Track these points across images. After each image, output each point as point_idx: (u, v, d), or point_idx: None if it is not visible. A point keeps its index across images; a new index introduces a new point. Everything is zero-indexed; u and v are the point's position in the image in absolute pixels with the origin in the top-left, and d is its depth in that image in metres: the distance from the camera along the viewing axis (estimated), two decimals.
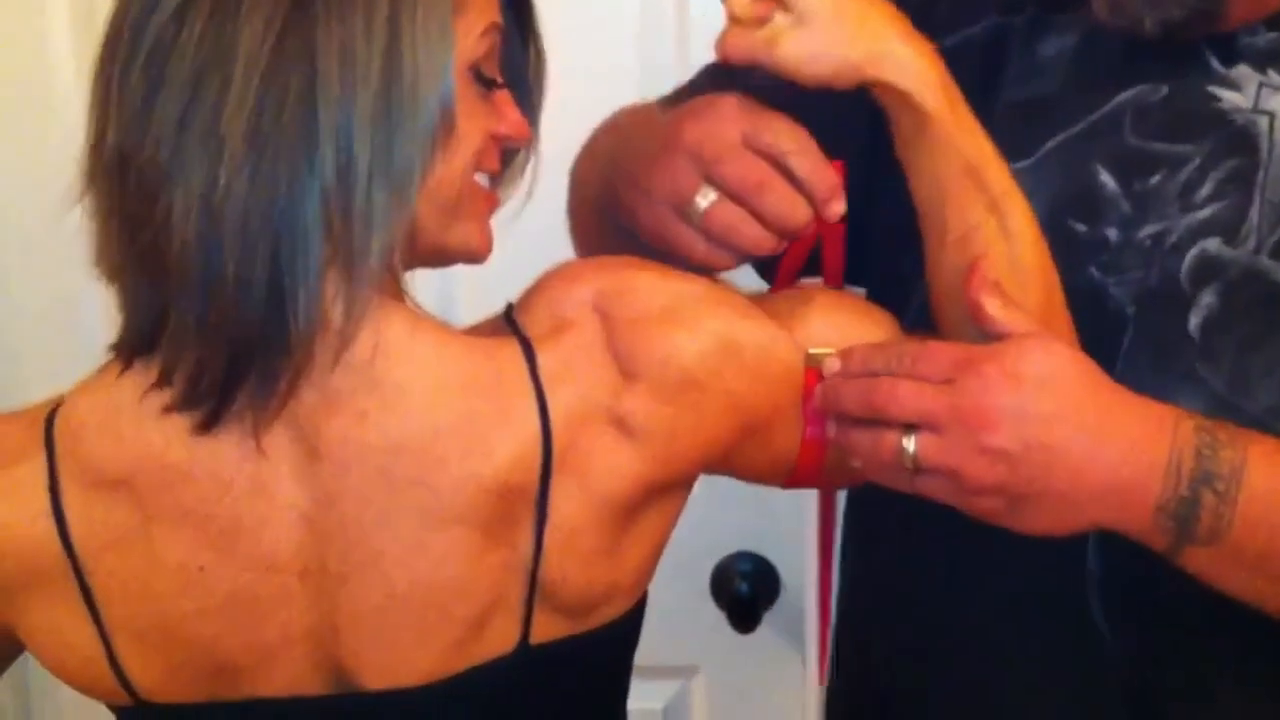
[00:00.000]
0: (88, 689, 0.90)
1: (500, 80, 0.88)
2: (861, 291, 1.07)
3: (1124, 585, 0.98)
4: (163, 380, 0.81)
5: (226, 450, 0.83)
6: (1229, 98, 0.98)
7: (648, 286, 0.88)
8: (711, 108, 0.90)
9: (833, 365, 0.89)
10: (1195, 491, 0.85)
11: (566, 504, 0.85)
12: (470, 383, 0.84)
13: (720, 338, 0.87)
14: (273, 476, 0.83)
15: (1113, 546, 0.92)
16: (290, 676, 0.87)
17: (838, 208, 0.89)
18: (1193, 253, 0.96)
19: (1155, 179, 0.98)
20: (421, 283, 0.87)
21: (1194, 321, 0.95)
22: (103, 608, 0.86)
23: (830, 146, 0.90)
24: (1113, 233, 0.98)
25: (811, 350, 0.90)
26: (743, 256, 0.92)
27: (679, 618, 1.55)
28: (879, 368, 0.88)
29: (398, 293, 0.84)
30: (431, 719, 0.90)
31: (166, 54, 0.78)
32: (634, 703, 1.02)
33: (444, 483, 0.83)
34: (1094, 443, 0.85)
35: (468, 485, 0.83)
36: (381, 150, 0.78)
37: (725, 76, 0.93)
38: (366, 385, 0.82)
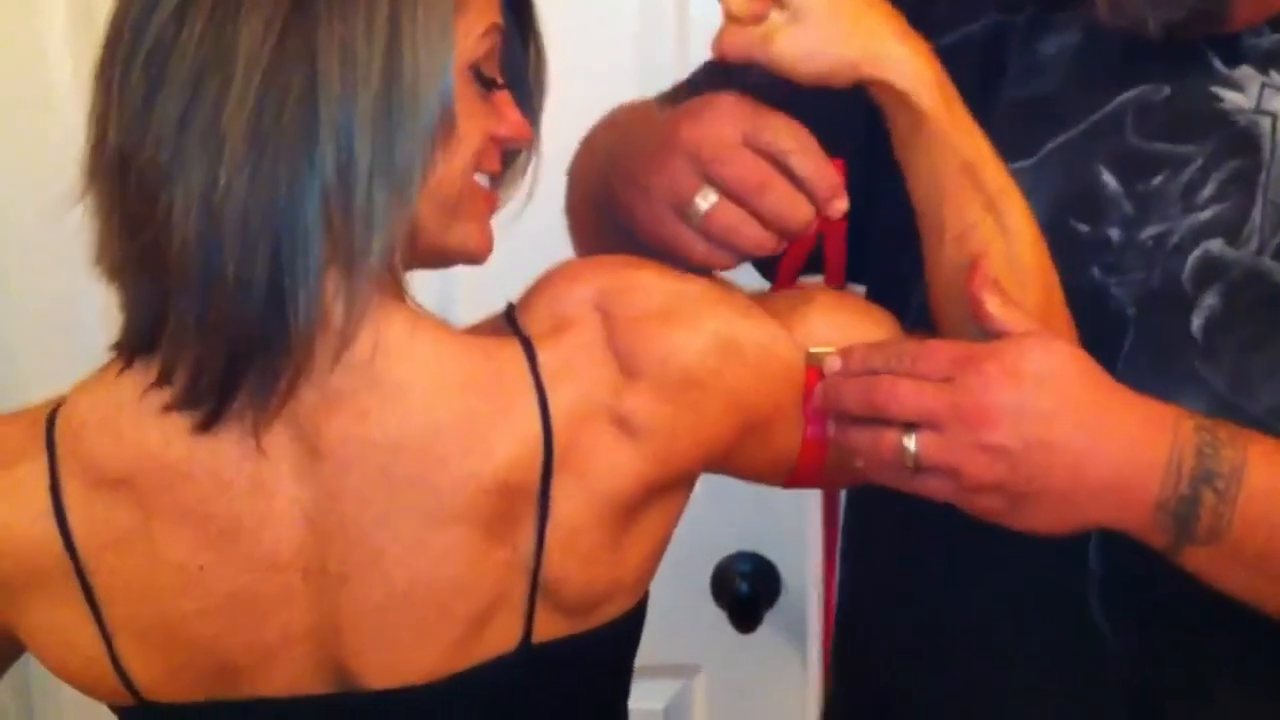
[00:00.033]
0: (89, 689, 0.90)
1: (500, 81, 0.88)
2: (862, 290, 1.07)
3: (1124, 584, 0.98)
4: (163, 379, 0.81)
5: (227, 449, 0.83)
6: (1231, 98, 0.98)
7: (649, 285, 0.88)
8: (709, 107, 0.90)
9: (833, 364, 0.89)
10: (1196, 490, 0.85)
11: (568, 502, 0.85)
12: (471, 381, 0.84)
13: (721, 336, 0.87)
14: (273, 476, 0.83)
15: (1114, 546, 0.92)
16: (292, 676, 0.87)
17: (840, 206, 0.89)
18: (1195, 254, 0.96)
19: (1157, 179, 0.98)
20: (421, 283, 0.86)
21: (1196, 323, 0.95)
22: (104, 607, 0.86)
23: (829, 144, 0.90)
24: (1115, 233, 0.98)
25: (812, 349, 0.90)
26: (742, 256, 0.92)
27: (680, 617, 1.55)
28: (879, 366, 0.88)
29: (398, 292, 0.84)
30: (434, 717, 0.90)
31: (167, 53, 0.78)
32: (635, 702, 1.02)
33: (444, 481, 0.83)
34: (1094, 440, 0.85)
35: (468, 484, 0.83)
36: (382, 149, 0.78)
37: (723, 74, 0.93)
38: (367, 384, 0.82)
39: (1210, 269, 0.96)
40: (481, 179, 0.88)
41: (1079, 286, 0.95)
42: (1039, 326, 0.88)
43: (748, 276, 0.97)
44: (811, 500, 1.43)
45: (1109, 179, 0.99)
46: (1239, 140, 0.97)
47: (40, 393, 0.90)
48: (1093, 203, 0.99)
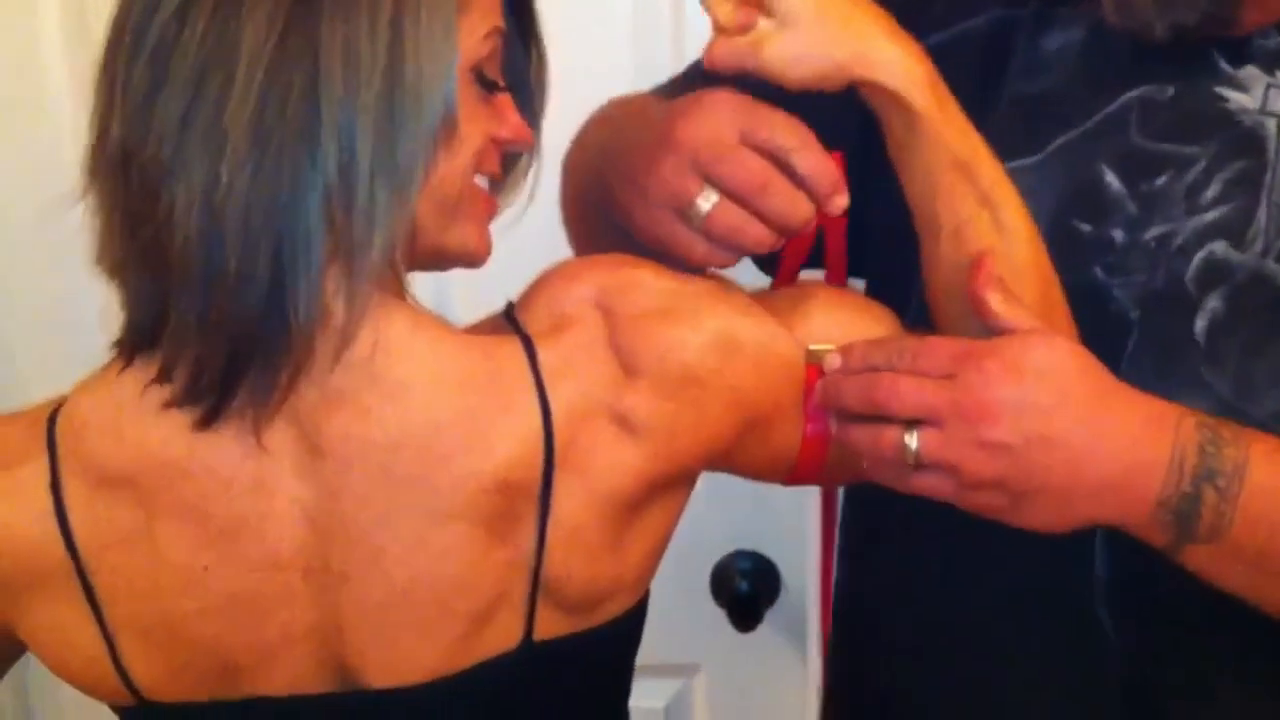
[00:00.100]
0: (90, 689, 0.89)
1: (502, 83, 0.88)
2: (863, 285, 1.07)
3: (1127, 583, 0.98)
4: (163, 376, 0.81)
5: (228, 448, 0.83)
6: (1236, 99, 0.98)
7: (648, 284, 0.88)
8: (705, 105, 0.89)
9: (833, 361, 0.89)
10: (1197, 488, 0.85)
11: (569, 500, 0.85)
12: (471, 379, 0.84)
13: (721, 334, 0.87)
14: (274, 474, 0.83)
15: (1119, 545, 0.92)
16: (294, 675, 0.87)
17: (841, 202, 0.89)
18: (1200, 256, 0.96)
19: (1161, 180, 0.98)
20: (417, 283, 0.87)
21: (1199, 325, 0.95)
22: (106, 607, 0.86)
23: (825, 139, 0.90)
24: (1118, 234, 0.98)
25: (812, 346, 0.90)
26: (742, 254, 0.92)
27: (680, 616, 1.55)
28: (880, 363, 0.88)
29: (399, 291, 0.84)
30: (435, 716, 0.90)
31: (169, 51, 0.78)
32: (635, 701, 1.02)
33: (445, 480, 0.83)
34: (1095, 437, 0.85)
35: (469, 482, 0.83)
36: (384, 149, 0.78)
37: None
38: (367, 382, 0.82)
39: (1214, 271, 0.95)
40: (481, 181, 0.88)
41: (1081, 287, 0.95)
42: (1041, 324, 0.88)
43: (748, 274, 0.97)
44: (811, 499, 1.43)
45: (1112, 179, 0.98)
46: (1244, 141, 0.97)
47: (39, 393, 0.90)
48: (1096, 203, 0.99)
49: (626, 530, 0.88)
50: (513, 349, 0.85)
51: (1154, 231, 0.97)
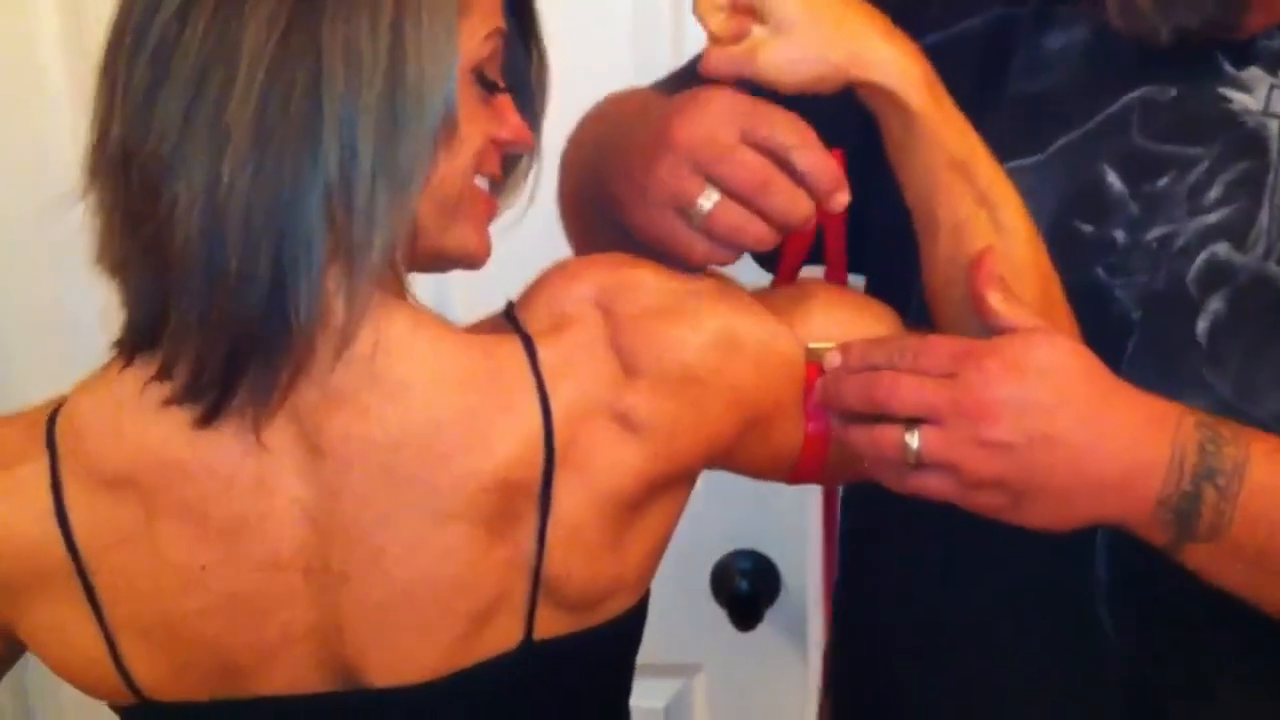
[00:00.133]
0: (91, 689, 0.90)
1: (502, 85, 0.88)
2: (863, 283, 1.07)
3: (1126, 582, 0.98)
4: (163, 374, 0.81)
5: (228, 447, 0.83)
6: (1239, 100, 0.97)
7: (649, 283, 0.88)
8: (704, 104, 0.88)
9: (833, 359, 0.89)
10: (1197, 487, 0.85)
11: (569, 499, 0.85)
12: (472, 378, 0.84)
13: (721, 333, 0.87)
14: (275, 474, 0.83)
15: (1120, 545, 0.92)
16: (295, 674, 0.87)
17: (842, 199, 0.88)
18: (1202, 257, 0.96)
19: (1163, 181, 0.97)
20: (417, 284, 0.87)
21: (1201, 326, 0.95)
22: (106, 607, 0.86)
23: (825, 136, 0.89)
24: (1120, 234, 0.98)
25: (812, 345, 0.90)
26: (742, 252, 0.92)
27: (680, 616, 1.55)
28: (880, 362, 0.87)
29: (400, 291, 0.84)
30: (436, 715, 0.90)
31: (171, 50, 0.78)
32: (636, 701, 1.02)
33: (445, 479, 0.83)
34: (1095, 436, 0.85)
35: (469, 482, 0.83)
36: (385, 149, 0.79)
37: None
38: (368, 382, 0.82)
39: (1216, 273, 0.95)
40: (481, 182, 0.88)
41: (1083, 287, 0.94)
42: (1042, 322, 0.88)
43: (748, 272, 0.97)
44: (811, 498, 1.43)
45: (1114, 179, 0.98)
46: (1246, 142, 0.97)
47: (38, 394, 0.90)
48: (1097, 203, 0.99)
49: (627, 530, 0.88)
50: (513, 348, 0.85)
51: (1156, 232, 0.97)
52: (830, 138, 0.89)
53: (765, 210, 0.87)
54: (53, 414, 0.86)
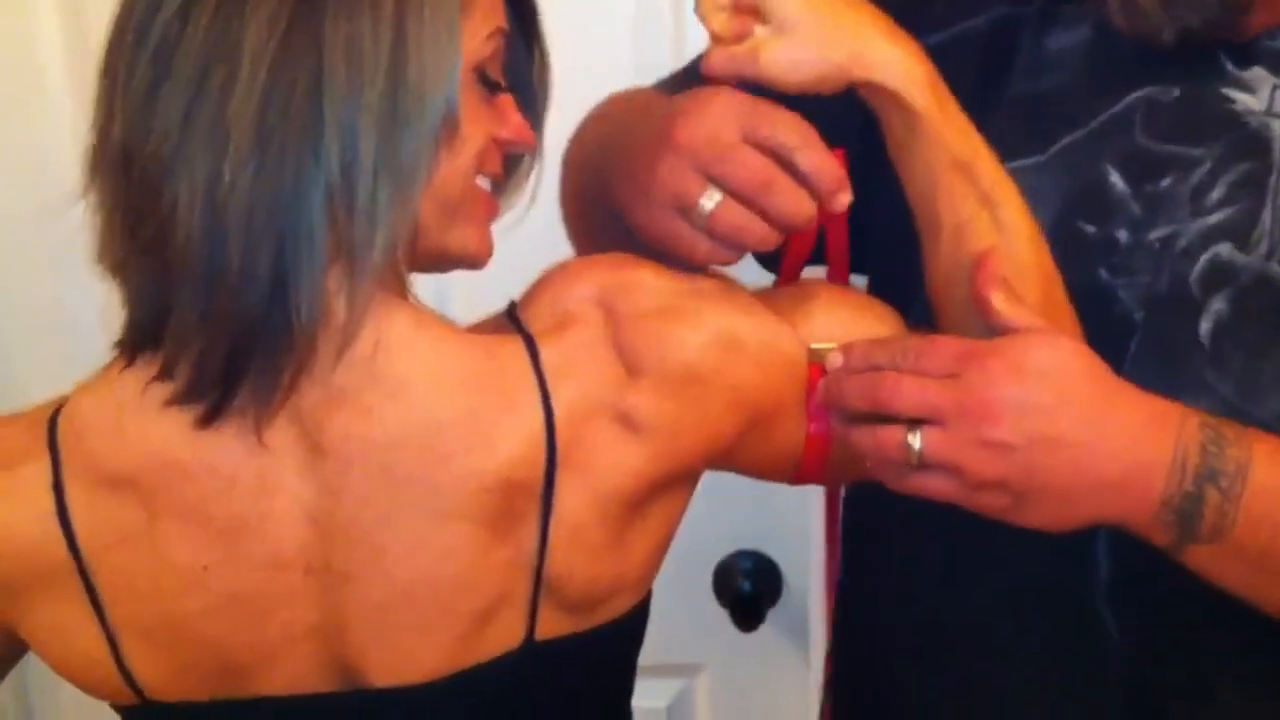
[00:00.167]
0: (93, 689, 0.90)
1: (504, 84, 0.88)
2: (865, 283, 1.07)
3: (1127, 582, 0.97)
4: (165, 374, 0.81)
5: (230, 447, 0.83)
6: (1242, 100, 0.97)
7: (651, 282, 0.88)
8: (706, 104, 0.88)
9: (835, 360, 0.89)
10: (1200, 488, 0.85)
11: (571, 499, 0.85)
12: (473, 378, 0.84)
13: (723, 333, 0.87)
14: (277, 473, 0.83)
15: (1120, 545, 0.92)
16: (297, 674, 0.87)
17: (845, 199, 0.88)
18: (1205, 258, 0.95)
19: (1166, 181, 0.97)
20: (417, 284, 0.87)
21: (1204, 327, 0.95)
22: (108, 607, 0.86)
23: (827, 135, 0.89)
24: (1122, 234, 0.98)
25: (814, 345, 0.90)
26: (744, 252, 0.92)
27: (682, 616, 1.55)
28: (882, 362, 0.87)
29: (401, 290, 0.84)
30: (438, 715, 0.90)
31: (172, 49, 0.78)
32: (637, 701, 1.02)
33: (446, 479, 0.83)
34: (1098, 436, 0.85)
35: (470, 482, 0.83)
36: (386, 147, 0.79)
37: None
38: (369, 381, 0.82)
39: (1219, 273, 0.95)
40: (483, 182, 0.88)
41: (1085, 287, 0.94)
42: (1045, 323, 0.88)
43: (750, 272, 0.97)
44: (813, 498, 1.43)
45: (1117, 180, 0.98)
46: (1249, 143, 0.96)
47: (38, 394, 0.90)
48: (1100, 203, 0.98)
49: (629, 529, 0.88)
50: (515, 348, 0.85)
51: (1158, 233, 0.97)
52: (832, 138, 0.89)
53: (767, 211, 0.87)
54: (54, 414, 0.86)
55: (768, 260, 1.02)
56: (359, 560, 0.85)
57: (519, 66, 0.93)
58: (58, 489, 0.85)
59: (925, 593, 1.08)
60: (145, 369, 0.83)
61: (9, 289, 1.55)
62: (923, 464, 0.85)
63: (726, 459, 0.91)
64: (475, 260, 0.89)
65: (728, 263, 0.90)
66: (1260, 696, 0.99)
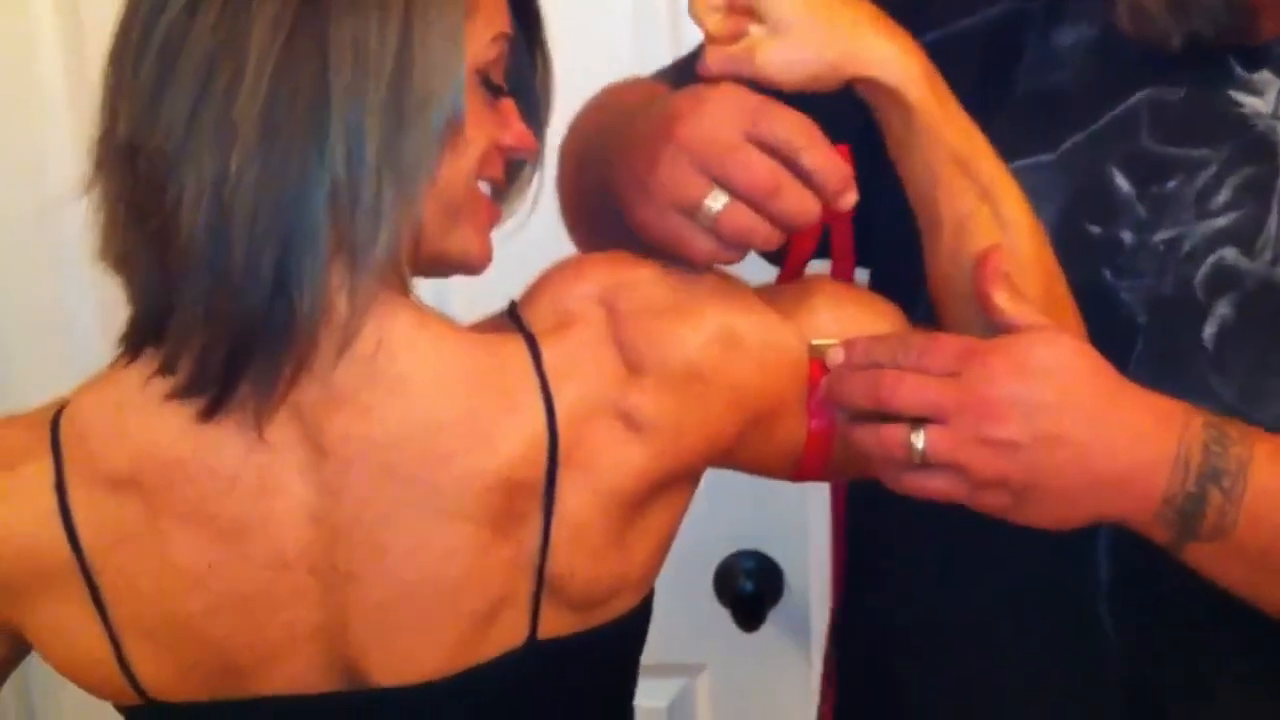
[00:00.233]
0: (96, 689, 0.89)
1: (506, 89, 0.88)
2: (866, 276, 1.06)
3: (1127, 582, 0.97)
4: (166, 368, 0.81)
5: (231, 446, 0.83)
6: (1250, 103, 0.97)
7: (651, 281, 0.88)
8: (709, 102, 0.87)
9: (836, 356, 0.89)
10: (1202, 487, 0.85)
11: (573, 499, 0.85)
12: (474, 377, 0.84)
13: (724, 330, 0.87)
14: (278, 473, 0.83)
15: (1120, 545, 0.92)
16: (300, 674, 0.87)
17: (851, 199, 0.88)
18: (1210, 261, 0.95)
19: (1172, 183, 0.97)
20: (417, 286, 0.86)
21: (1208, 332, 0.95)
22: (111, 607, 0.86)
23: (830, 131, 0.89)
24: (1127, 235, 0.97)
25: (815, 341, 0.90)
26: (749, 251, 0.92)
27: (683, 616, 1.55)
28: (883, 358, 0.87)
29: (404, 290, 0.84)
30: (441, 714, 0.90)
31: (179, 45, 0.78)
32: (638, 700, 1.01)
33: (447, 479, 0.83)
34: (1099, 433, 0.84)
35: (472, 481, 0.83)
36: (390, 147, 0.79)
37: None
38: (370, 380, 0.82)
39: (1224, 278, 0.95)
40: (484, 187, 0.88)
41: (1089, 288, 0.94)
42: (1048, 321, 0.87)
43: (753, 269, 0.97)
44: (814, 498, 1.43)
45: (1122, 181, 0.98)
46: (1255, 146, 0.96)
47: (37, 394, 0.90)
48: (1105, 204, 0.98)
49: (630, 528, 0.88)
50: (516, 347, 0.85)
51: (1163, 235, 0.97)
52: (833, 135, 0.89)
53: (773, 212, 0.86)
54: (57, 414, 0.86)
55: (771, 254, 1.01)
56: (361, 560, 0.85)
57: (521, 72, 0.93)
58: (60, 489, 0.85)
59: (925, 593, 1.08)
60: (147, 366, 0.83)
61: (9, 289, 1.55)
62: (925, 463, 0.85)
63: (728, 456, 0.91)
64: (474, 265, 0.89)
65: (732, 262, 0.90)
66: (1260, 696, 0.99)
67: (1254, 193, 0.95)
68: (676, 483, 0.89)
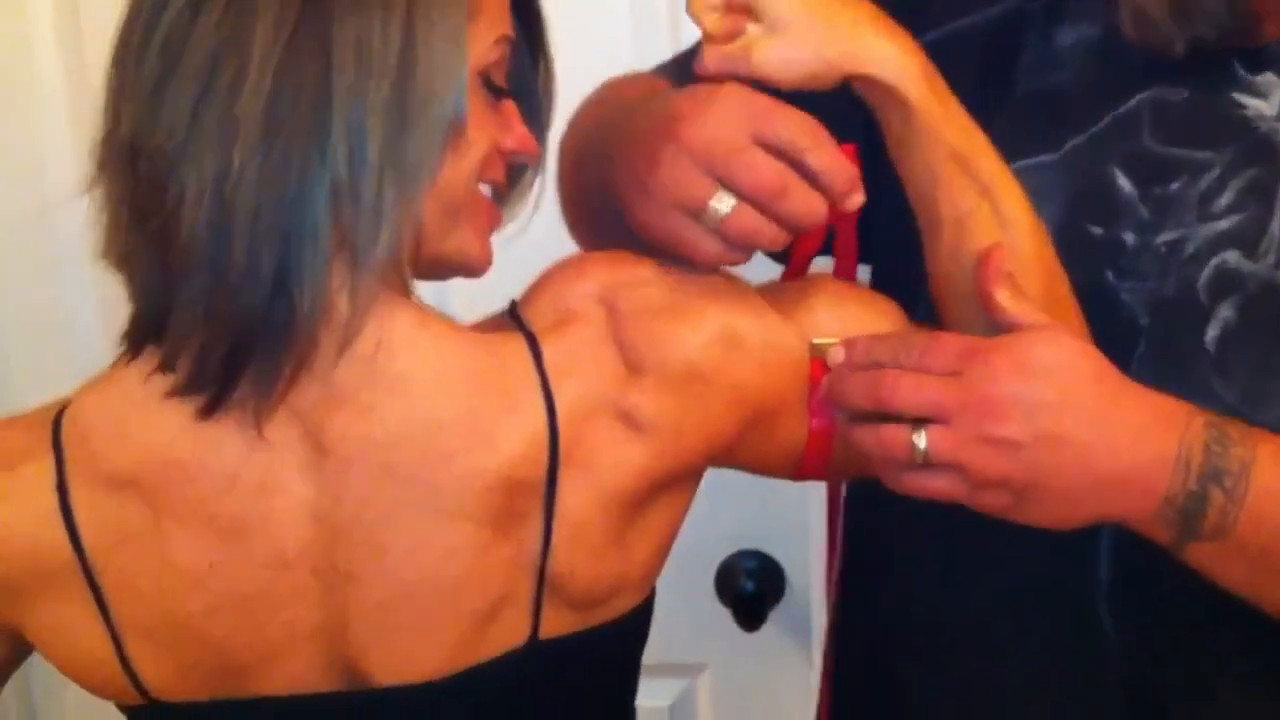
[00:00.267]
0: (98, 689, 0.89)
1: (507, 91, 0.88)
2: (867, 275, 1.06)
3: (1127, 582, 0.97)
4: (166, 365, 0.81)
5: (233, 446, 0.83)
6: (1253, 105, 0.97)
7: (652, 280, 0.88)
8: (712, 102, 0.86)
9: (837, 355, 0.89)
10: (1204, 487, 0.85)
11: (574, 498, 0.85)
12: (475, 377, 0.84)
13: (724, 330, 0.87)
14: (279, 473, 0.83)
15: (1121, 545, 0.92)
16: (301, 673, 0.87)
17: (857, 199, 0.87)
18: (1213, 263, 0.95)
19: (1175, 185, 0.97)
20: (417, 287, 0.86)
21: (1211, 334, 0.94)
22: (113, 607, 0.86)
23: (833, 129, 0.88)
24: (1129, 237, 0.97)
25: (816, 340, 0.89)
26: (754, 252, 0.91)
27: (684, 616, 1.55)
28: (884, 358, 0.87)
29: (404, 290, 0.84)
30: (442, 714, 0.90)
31: (181, 43, 0.78)
32: (640, 700, 1.02)
33: (447, 478, 0.83)
34: (1101, 434, 0.84)
35: (473, 481, 0.83)
36: (392, 147, 0.79)
37: None
38: (370, 380, 0.82)
39: (1227, 280, 0.95)
40: (485, 189, 0.88)
41: (1091, 290, 0.94)
42: (1049, 319, 0.87)
43: (754, 268, 0.97)
44: (816, 497, 1.43)
45: (1124, 182, 0.98)
46: (1259, 148, 0.96)
47: (37, 394, 0.90)
48: (1107, 205, 0.98)
49: (631, 527, 0.88)
50: (517, 346, 0.85)
51: (1165, 236, 0.96)
52: (836, 135, 0.89)
53: (780, 214, 0.85)
54: (58, 415, 0.86)
55: (775, 253, 1.01)
56: (361, 560, 0.85)
57: (523, 75, 0.93)
58: (62, 489, 0.85)
59: (925, 593, 1.08)
60: (148, 365, 0.83)
61: (8, 289, 1.55)
62: (926, 463, 0.85)
63: (728, 456, 0.91)
64: (474, 268, 0.89)
65: (736, 264, 0.89)
66: (1260, 696, 0.99)
67: (1257, 195, 0.95)
68: (677, 482, 0.89)
